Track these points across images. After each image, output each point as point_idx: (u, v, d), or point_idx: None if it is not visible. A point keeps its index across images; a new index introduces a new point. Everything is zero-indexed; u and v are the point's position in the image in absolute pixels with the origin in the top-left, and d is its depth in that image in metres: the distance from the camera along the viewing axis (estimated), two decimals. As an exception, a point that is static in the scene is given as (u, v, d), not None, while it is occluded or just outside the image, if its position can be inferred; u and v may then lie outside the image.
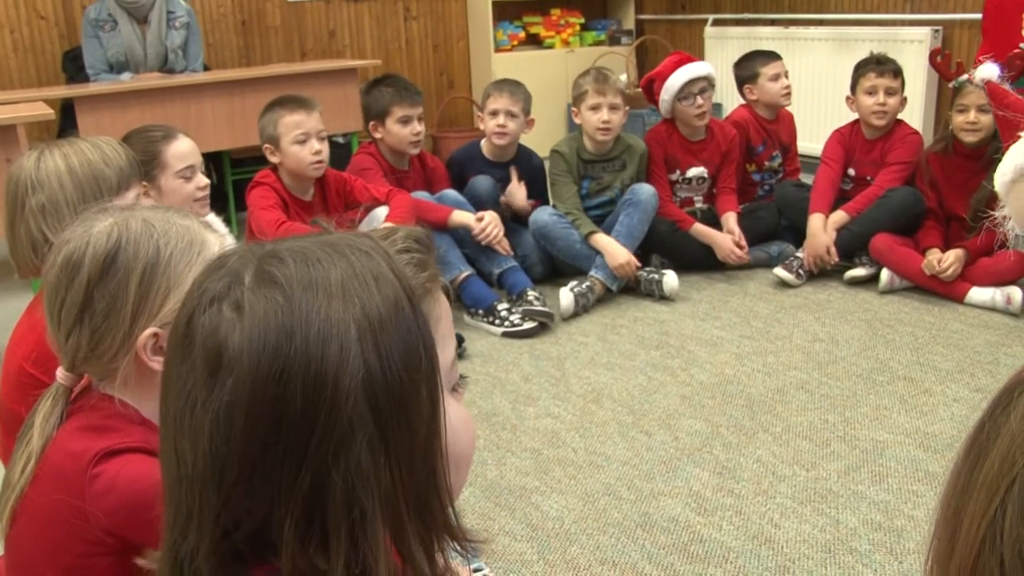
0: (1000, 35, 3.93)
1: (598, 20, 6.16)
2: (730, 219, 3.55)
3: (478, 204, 3.27)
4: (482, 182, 3.37)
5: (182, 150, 2.33)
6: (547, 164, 3.60)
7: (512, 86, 3.49)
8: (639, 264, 3.30)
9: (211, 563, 0.63)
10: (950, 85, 3.33)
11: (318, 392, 0.60)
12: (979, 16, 4.14)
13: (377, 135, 3.34)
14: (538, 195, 3.60)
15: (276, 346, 0.61)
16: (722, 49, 5.35)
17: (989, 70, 1.91)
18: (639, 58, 5.85)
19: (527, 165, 3.61)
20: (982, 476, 0.55)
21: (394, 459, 0.63)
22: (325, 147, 2.92)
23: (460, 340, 2.86)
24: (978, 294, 3.11)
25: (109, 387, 1.08)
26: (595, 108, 3.42)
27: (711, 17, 5.58)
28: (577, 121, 3.52)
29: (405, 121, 3.27)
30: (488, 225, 3.18)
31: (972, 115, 3.18)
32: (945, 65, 3.35)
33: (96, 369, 1.07)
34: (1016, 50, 3.37)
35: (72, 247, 1.06)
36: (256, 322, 0.61)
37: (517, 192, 3.50)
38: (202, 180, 2.34)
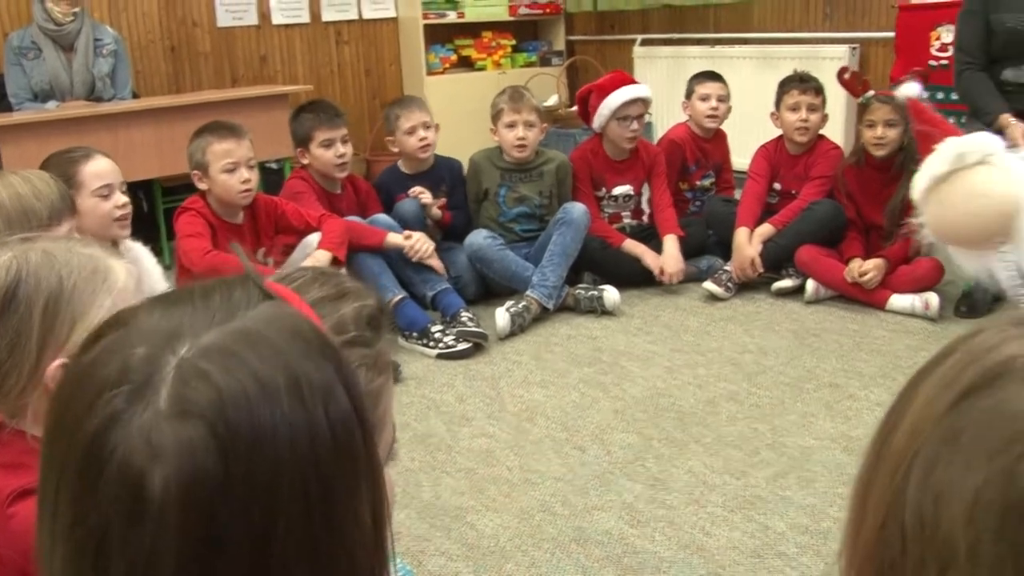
0: (912, 52, 4.08)
1: (529, 42, 6.24)
2: (670, 243, 3.57)
3: (406, 227, 3.30)
4: (407, 205, 3.41)
5: (99, 169, 2.31)
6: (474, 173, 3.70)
7: (416, 100, 3.62)
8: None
9: None
10: (858, 101, 3.45)
11: (252, 528, 0.54)
12: (893, 35, 4.30)
13: (304, 161, 3.35)
14: (462, 201, 3.68)
15: (207, 496, 0.53)
16: (651, 68, 5.45)
17: (911, 88, 2.00)
18: (570, 78, 5.92)
19: (449, 172, 3.69)
20: (888, 452, 0.58)
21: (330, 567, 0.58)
22: (254, 175, 2.92)
23: (395, 366, 2.87)
24: (898, 301, 3.22)
25: (21, 423, 1.06)
26: (511, 125, 3.51)
27: (640, 37, 5.68)
28: (495, 139, 3.60)
29: (328, 144, 3.29)
30: (417, 242, 3.21)
31: (879, 130, 3.30)
32: (853, 82, 3.47)
33: (5, 406, 1.06)
34: (918, 68, 3.51)
35: None
36: (182, 464, 0.53)
37: (433, 210, 3.56)
38: (120, 199, 2.32)
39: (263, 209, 3.04)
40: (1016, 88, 3.21)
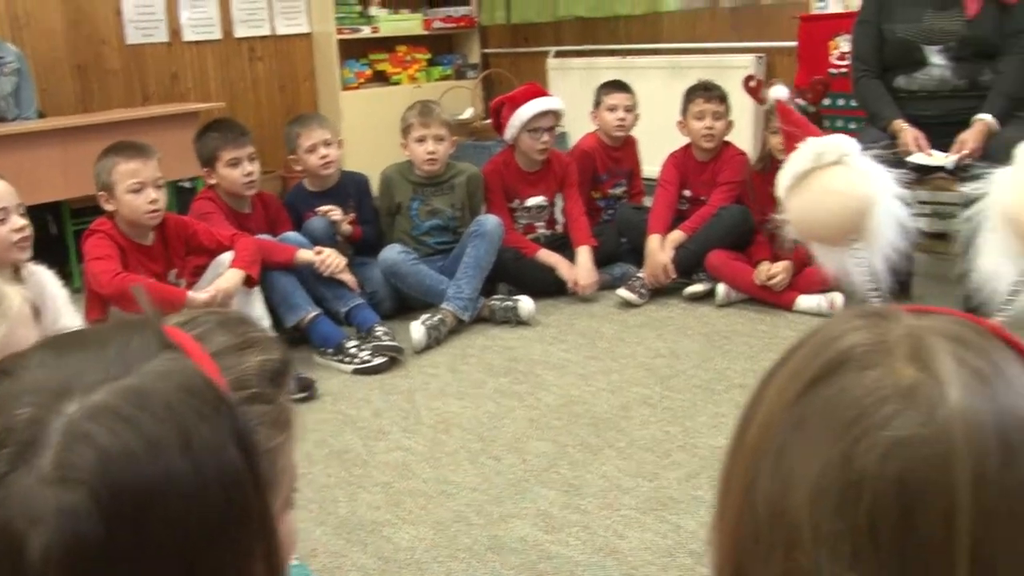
0: (813, 61, 4.21)
1: (444, 55, 6.27)
2: (583, 254, 3.63)
3: (316, 244, 3.29)
4: (316, 222, 3.41)
5: None
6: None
7: (316, 117, 3.61)
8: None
9: None
10: (764, 108, 3.55)
11: None
12: (796, 44, 4.43)
13: (212, 181, 3.32)
14: (372, 215, 3.67)
15: (90, 561, 0.52)
16: (564, 80, 5.52)
17: (779, 90, 2.07)
18: (485, 91, 5.97)
19: (356, 187, 3.68)
20: (745, 443, 0.61)
21: None
22: (162, 195, 2.88)
23: (310, 383, 2.86)
24: (805, 301, 3.32)
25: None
26: (421, 140, 3.54)
27: (553, 49, 5.76)
28: (406, 154, 3.61)
29: (234, 163, 3.26)
30: (328, 257, 3.21)
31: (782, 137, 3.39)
32: (757, 90, 3.57)
33: None
34: (818, 76, 3.63)
35: None
36: (63, 530, 0.52)
37: (343, 226, 3.55)
38: (17, 222, 2.28)
39: (174, 230, 3.00)
40: (907, 95, 3.33)
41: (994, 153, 3.06)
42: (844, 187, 1.36)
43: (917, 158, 3.08)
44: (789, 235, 1.46)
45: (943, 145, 3.14)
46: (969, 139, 3.08)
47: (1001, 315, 1.08)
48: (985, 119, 3.11)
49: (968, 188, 1.23)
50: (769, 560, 0.58)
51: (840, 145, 1.40)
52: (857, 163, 1.38)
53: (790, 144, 1.47)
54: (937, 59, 3.27)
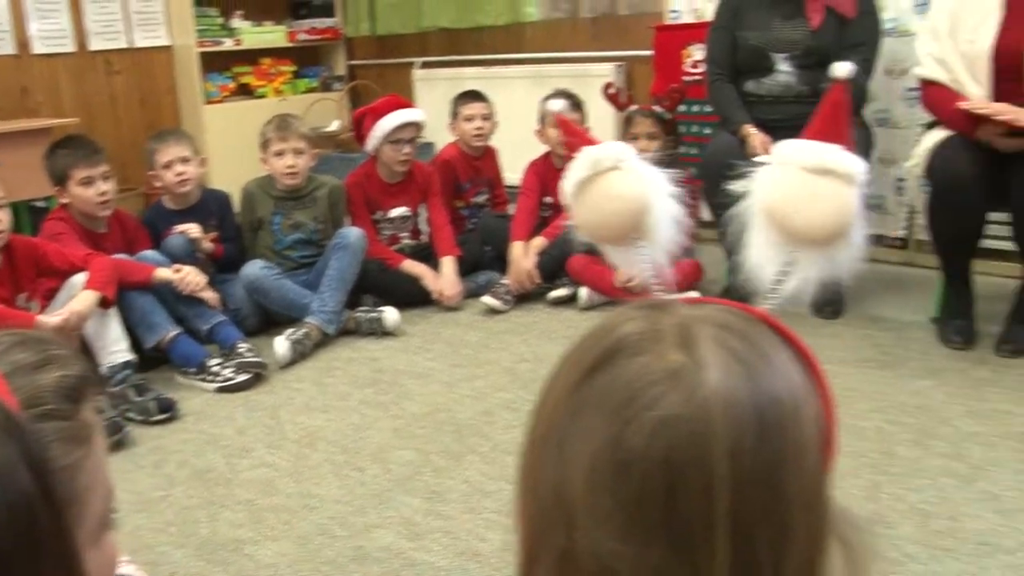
0: (668, 69, 4.36)
1: (310, 67, 6.22)
2: (447, 265, 3.68)
3: (176, 262, 3.23)
4: (175, 241, 3.34)
5: None
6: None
7: (175, 133, 3.55)
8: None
9: None
10: (623, 115, 3.67)
11: None
12: (652, 53, 4.57)
13: (65, 200, 3.22)
14: (235, 233, 3.63)
15: None
16: (431, 90, 5.55)
17: (556, 103, 2.17)
18: (352, 103, 5.94)
19: (218, 205, 3.64)
20: (535, 432, 0.65)
21: None
22: (5, 216, 2.79)
23: (171, 404, 2.81)
24: (670, 302, 3.43)
25: None
26: (280, 154, 3.52)
27: (419, 60, 5.79)
28: (265, 168, 3.59)
29: (87, 182, 3.17)
30: (187, 275, 3.15)
31: (642, 142, 3.51)
32: (617, 97, 3.69)
33: None
34: (674, 85, 3.78)
35: None
36: None
37: (204, 244, 3.50)
38: None
39: (22, 252, 2.91)
40: (756, 99, 3.49)
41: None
42: (622, 191, 1.44)
43: (764, 159, 3.23)
44: (580, 238, 1.54)
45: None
46: (810, 141, 3.26)
47: (768, 303, 1.16)
48: (823, 123, 3.29)
49: (736, 186, 1.32)
50: (553, 540, 0.61)
51: (615, 152, 1.48)
52: (633, 167, 1.47)
53: (571, 154, 1.55)
54: (784, 66, 3.44)
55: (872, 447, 2.38)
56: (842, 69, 1.42)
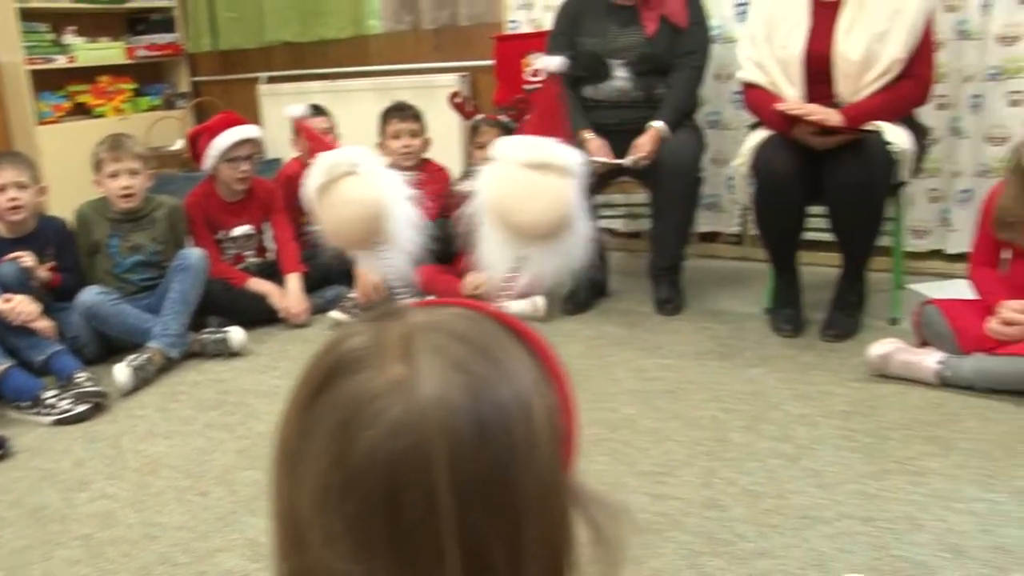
0: (509, 78, 4.44)
1: (152, 84, 6.05)
2: (292, 281, 3.64)
3: (8, 292, 3.08)
4: (6, 268, 3.18)
5: None
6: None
7: (9, 157, 3.40)
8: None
9: None
10: (469, 123, 3.72)
11: None
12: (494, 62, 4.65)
13: None
14: (74, 262, 3.47)
15: None
16: (276, 105, 5.47)
17: (295, 109, 2.20)
18: (197, 120, 5.81)
19: (55, 233, 3.47)
20: (276, 453, 0.64)
21: None
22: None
23: (3, 441, 2.68)
24: (512, 307, 3.48)
25: None
26: (114, 175, 3.42)
27: (264, 75, 5.71)
28: (100, 191, 3.48)
29: None
30: (18, 304, 3.02)
31: (489, 150, 3.56)
32: (463, 106, 3.74)
33: None
34: (519, 95, 3.86)
35: None
36: None
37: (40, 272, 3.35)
38: None
39: None
40: (594, 103, 3.61)
41: (665, 156, 3.39)
42: (358, 195, 1.48)
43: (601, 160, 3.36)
44: (327, 243, 1.57)
45: (622, 150, 3.44)
46: (644, 143, 3.41)
47: (501, 300, 1.21)
48: (657, 126, 3.44)
49: (465, 185, 1.38)
50: (290, 562, 0.63)
51: (351, 156, 1.52)
52: (368, 172, 1.51)
53: (311, 159, 1.58)
54: (620, 72, 3.56)
55: (707, 435, 2.49)
56: (552, 62, 1.48)
